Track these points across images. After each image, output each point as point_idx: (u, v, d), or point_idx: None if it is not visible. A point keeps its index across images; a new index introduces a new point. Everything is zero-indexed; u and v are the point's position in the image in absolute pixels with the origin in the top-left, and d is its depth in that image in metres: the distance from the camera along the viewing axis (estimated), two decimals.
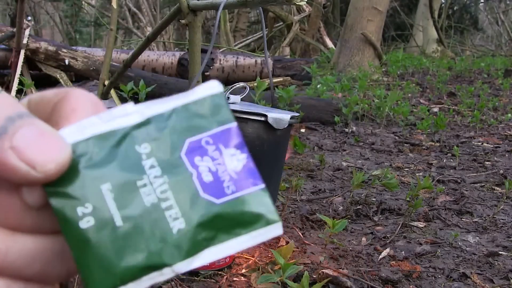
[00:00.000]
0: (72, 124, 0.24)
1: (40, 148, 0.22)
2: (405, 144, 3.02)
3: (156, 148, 0.24)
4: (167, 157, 0.24)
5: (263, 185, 0.25)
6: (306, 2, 1.66)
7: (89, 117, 0.24)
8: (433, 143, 3.06)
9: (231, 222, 0.24)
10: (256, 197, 0.24)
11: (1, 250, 0.23)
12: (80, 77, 4.41)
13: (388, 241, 1.54)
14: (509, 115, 3.95)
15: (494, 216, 1.78)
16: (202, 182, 0.24)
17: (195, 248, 0.23)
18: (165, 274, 0.23)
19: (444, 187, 2.08)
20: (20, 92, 3.82)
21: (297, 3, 1.47)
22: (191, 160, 0.24)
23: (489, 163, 2.62)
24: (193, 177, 0.24)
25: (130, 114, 0.25)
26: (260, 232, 0.24)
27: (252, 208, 0.24)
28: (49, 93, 0.26)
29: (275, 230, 0.25)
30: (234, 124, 0.25)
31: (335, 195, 1.94)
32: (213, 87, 0.26)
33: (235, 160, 0.25)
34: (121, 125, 0.24)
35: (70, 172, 0.23)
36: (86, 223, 0.23)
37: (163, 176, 0.24)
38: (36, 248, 0.23)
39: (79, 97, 0.25)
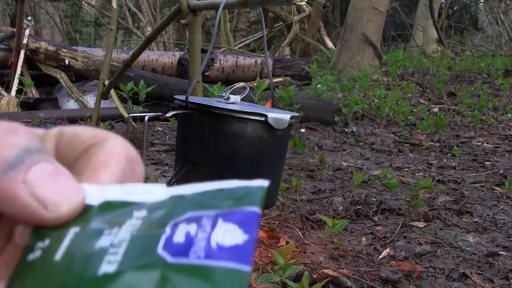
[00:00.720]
0: (93, 185, 0.23)
1: (55, 187, 0.21)
2: (405, 144, 3.02)
3: (151, 213, 0.21)
4: (155, 221, 0.21)
5: (248, 268, 0.18)
6: (306, 2, 1.66)
7: (113, 186, 0.23)
8: (433, 143, 3.06)
9: None
10: (230, 275, 0.18)
11: None
12: (80, 77, 4.41)
13: (388, 241, 1.54)
14: (509, 115, 3.96)
15: (494, 216, 1.78)
16: (168, 241, 0.19)
17: None
18: None
19: (444, 187, 2.08)
20: (20, 92, 3.82)
21: (297, 3, 1.47)
22: (176, 225, 0.20)
23: (489, 163, 2.62)
24: (162, 235, 0.20)
25: (154, 192, 0.22)
26: None
27: (215, 283, 0.18)
28: (86, 133, 0.24)
29: None
30: (256, 209, 0.20)
31: (335, 195, 1.94)
32: (259, 183, 0.21)
33: (228, 235, 0.19)
34: (138, 199, 0.22)
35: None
36: (32, 255, 0.21)
37: (134, 230, 0.21)
38: None
39: (116, 149, 0.24)
